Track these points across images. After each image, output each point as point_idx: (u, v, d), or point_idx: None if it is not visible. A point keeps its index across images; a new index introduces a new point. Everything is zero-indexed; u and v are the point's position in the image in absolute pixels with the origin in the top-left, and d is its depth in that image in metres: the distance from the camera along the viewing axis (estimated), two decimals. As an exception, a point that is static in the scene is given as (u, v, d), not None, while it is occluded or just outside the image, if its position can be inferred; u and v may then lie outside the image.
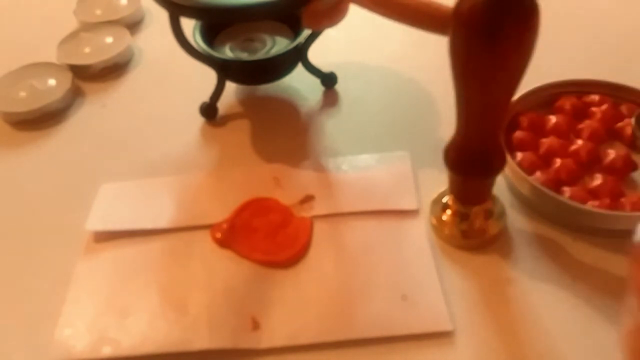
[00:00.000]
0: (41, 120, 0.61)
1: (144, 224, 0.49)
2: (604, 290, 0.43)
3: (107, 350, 0.41)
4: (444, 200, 0.48)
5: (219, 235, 0.48)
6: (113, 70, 0.67)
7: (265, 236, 0.47)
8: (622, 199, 0.47)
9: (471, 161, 0.43)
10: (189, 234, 0.49)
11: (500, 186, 0.50)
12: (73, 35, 0.69)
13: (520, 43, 0.35)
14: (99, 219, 0.50)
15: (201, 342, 0.41)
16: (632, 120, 0.52)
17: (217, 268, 0.46)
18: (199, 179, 0.53)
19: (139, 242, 0.48)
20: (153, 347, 0.41)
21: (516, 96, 0.53)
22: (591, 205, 0.46)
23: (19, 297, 0.46)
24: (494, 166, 0.43)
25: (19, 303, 0.46)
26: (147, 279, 0.46)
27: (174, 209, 0.50)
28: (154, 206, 0.51)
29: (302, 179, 0.52)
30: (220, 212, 0.49)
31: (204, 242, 0.48)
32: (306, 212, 0.49)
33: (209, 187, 0.52)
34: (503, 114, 0.40)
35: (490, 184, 0.45)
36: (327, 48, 0.62)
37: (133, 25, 0.73)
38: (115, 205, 0.52)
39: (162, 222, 0.49)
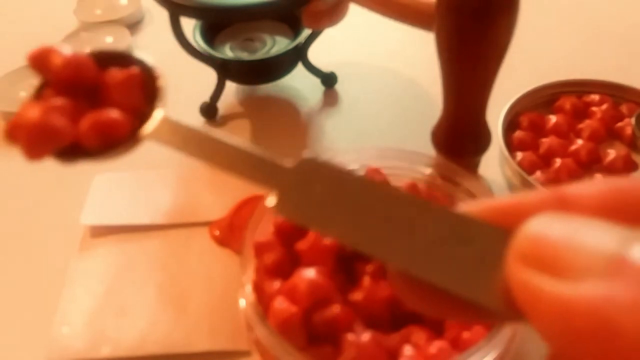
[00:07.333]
0: (41, 120, 0.61)
1: (141, 219, 0.49)
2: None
3: (106, 350, 0.41)
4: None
5: (217, 233, 0.48)
6: (113, 70, 0.66)
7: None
8: (622, 199, 0.47)
9: (459, 140, 0.44)
10: (186, 230, 0.48)
11: (500, 186, 0.50)
12: (73, 35, 0.69)
13: (508, 18, 0.37)
14: (94, 213, 0.50)
15: (201, 343, 0.41)
16: (632, 120, 0.52)
17: (217, 267, 0.46)
18: (195, 173, 0.53)
19: (135, 238, 0.48)
20: (153, 348, 0.41)
21: (516, 96, 0.54)
22: (591, 205, 0.46)
23: (17, 294, 0.46)
24: (481, 144, 0.45)
25: (16, 300, 0.46)
26: (144, 276, 0.46)
27: (171, 204, 0.50)
28: (151, 200, 0.51)
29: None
30: (218, 208, 0.49)
31: (203, 239, 0.48)
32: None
33: (207, 182, 0.52)
34: (490, 90, 0.41)
35: (475, 164, 0.46)
36: (327, 48, 0.62)
37: (133, 25, 0.73)
38: (110, 198, 0.51)
39: (159, 218, 0.49)
